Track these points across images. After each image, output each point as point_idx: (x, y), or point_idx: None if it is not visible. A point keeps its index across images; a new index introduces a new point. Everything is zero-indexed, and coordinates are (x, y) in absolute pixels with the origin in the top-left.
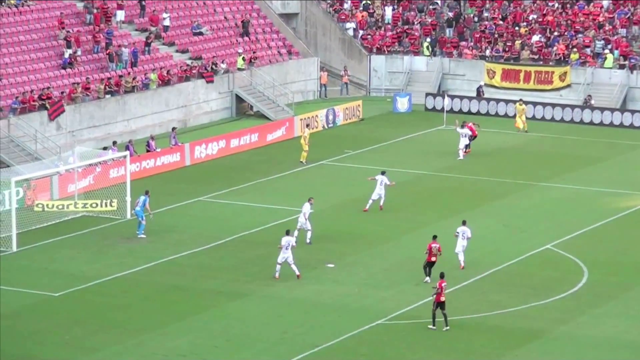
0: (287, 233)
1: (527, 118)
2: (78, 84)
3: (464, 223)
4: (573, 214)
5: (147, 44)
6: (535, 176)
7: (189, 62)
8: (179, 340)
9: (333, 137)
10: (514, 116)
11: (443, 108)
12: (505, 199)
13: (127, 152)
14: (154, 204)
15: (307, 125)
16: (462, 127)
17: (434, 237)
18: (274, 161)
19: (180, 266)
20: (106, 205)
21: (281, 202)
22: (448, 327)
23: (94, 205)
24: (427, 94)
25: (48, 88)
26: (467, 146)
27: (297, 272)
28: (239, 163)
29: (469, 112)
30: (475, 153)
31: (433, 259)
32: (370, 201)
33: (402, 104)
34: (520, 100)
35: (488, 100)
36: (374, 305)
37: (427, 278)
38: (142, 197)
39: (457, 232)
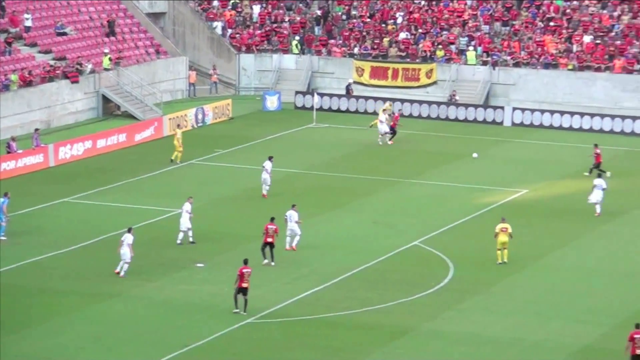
0: (129, 230)
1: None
2: None
3: (293, 207)
4: (439, 211)
5: (8, 44)
6: (403, 173)
7: (52, 62)
8: (44, 342)
9: (203, 136)
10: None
11: (313, 106)
12: (374, 196)
13: None
14: (17, 206)
15: (178, 125)
16: (384, 112)
17: (272, 218)
18: (143, 161)
19: (45, 268)
20: None
21: (150, 202)
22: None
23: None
24: (297, 92)
25: None
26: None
27: (120, 271)
28: (107, 164)
29: (339, 110)
30: (345, 151)
31: (269, 239)
32: (266, 187)
33: (272, 103)
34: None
35: (357, 97)
36: None
37: (266, 260)
38: (1, 200)
39: (286, 216)
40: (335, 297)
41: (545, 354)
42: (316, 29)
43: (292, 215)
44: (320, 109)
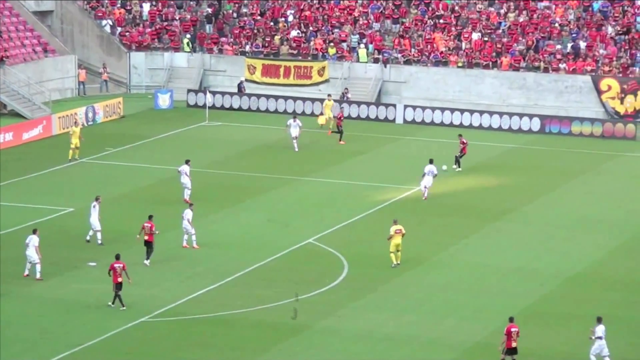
0: (34, 232)
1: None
2: None
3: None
4: (334, 208)
5: None
6: (297, 171)
7: None
8: None
9: (93, 134)
10: (320, 113)
11: (205, 104)
12: (268, 193)
13: None
14: None
15: (75, 122)
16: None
17: (150, 216)
18: (31, 160)
19: None
20: None
21: (41, 201)
22: None
23: None
24: (189, 91)
25: None
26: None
27: (29, 273)
28: None
29: (231, 108)
30: (239, 149)
31: (146, 237)
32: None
33: (164, 101)
34: (329, 95)
35: (249, 95)
36: (137, 302)
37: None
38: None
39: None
40: (231, 295)
41: (439, 351)
42: (207, 26)
43: (187, 213)
44: (213, 107)
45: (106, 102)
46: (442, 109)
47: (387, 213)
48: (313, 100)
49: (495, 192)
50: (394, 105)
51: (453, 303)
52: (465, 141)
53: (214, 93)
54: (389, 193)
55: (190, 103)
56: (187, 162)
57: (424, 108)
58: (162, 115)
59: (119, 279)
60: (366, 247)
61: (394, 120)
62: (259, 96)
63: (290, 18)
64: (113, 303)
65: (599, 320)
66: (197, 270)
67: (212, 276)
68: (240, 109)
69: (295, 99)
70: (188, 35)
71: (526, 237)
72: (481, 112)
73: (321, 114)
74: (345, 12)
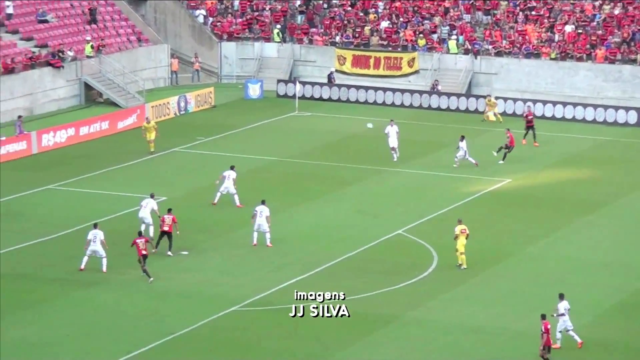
0: (95, 226)
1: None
2: None
3: (263, 202)
4: (423, 199)
5: None
6: (387, 162)
7: (34, 49)
8: (27, 329)
9: (185, 124)
10: (484, 112)
11: (295, 94)
12: (357, 184)
13: None
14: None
15: (147, 120)
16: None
17: (169, 210)
18: (125, 149)
19: (27, 255)
20: None
21: (132, 190)
22: None
23: None
24: (279, 81)
25: None
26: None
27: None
28: (89, 151)
29: (321, 99)
30: (328, 140)
31: (165, 228)
32: (219, 194)
33: (254, 91)
34: (489, 95)
35: (339, 86)
36: (228, 292)
37: (154, 250)
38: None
39: (256, 211)
40: (320, 286)
41: (528, 344)
42: (298, 17)
43: (264, 210)
44: (302, 97)
45: (198, 91)
46: (534, 101)
47: (477, 205)
48: (403, 91)
49: (588, 185)
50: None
51: (542, 296)
52: (510, 135)
53: (303, 83)
54: (479, 185)
55: (280, 93)
56: (232, 167)
57: (515, 100)
58: (252, 105)
59: (144, 252)
60: None
61: (484, 112)
62: (348, 87)
63: (381, 9)
64: (147, 275)
65: (561, 297)
66: (287, 260)
67: (301, 266)
68: (329, 99)
69: (385, 89)
70: (278, 26)
71: (619, 231)
72: (575, 105)
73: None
74: (436, 3)
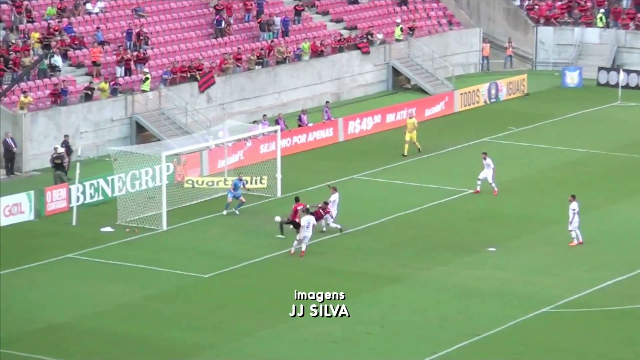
0: (308, 211)
1: None
2: (229, 54)
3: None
4: None
5: (298, 13)
6: None
7: (343, 32)
8: (331, 325)
9: (495, 113)
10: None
11: (618, 83)
12: None
13: (278, 127)
14: (305, 182)
15: (410, 115)
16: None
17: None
18: (431, 138)
19: (331, 247)
20: (256, 183)
21: (436, 182)
22: None
23: (244, 182)
24: (600, 68)
25: (198, 59)
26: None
27: (303, 249)
28: (395, 140)
29: None
30: None
31: (297, 219)
32: (479, 181)
33: (572, 79)
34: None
35: None
36: (539, 292)
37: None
38: (236, 181)
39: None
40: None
41: None
42: (624, 2)
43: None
44: (626, 86)
45: (509, 78)
46: None
47: None
48: None
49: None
50: None
51: None
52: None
53: (628, 72)
54: None
55: (601, 82)
56: (484, 154)
57: None
58: (570, 94)
59: (297, 219)
60: None
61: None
62: None
63: None
64: (282, 234)
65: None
66: (604, 259)
67: (621, 266)
68: None
69: None
70: (602, 10)
71: None
72: None
73: None
74: None
